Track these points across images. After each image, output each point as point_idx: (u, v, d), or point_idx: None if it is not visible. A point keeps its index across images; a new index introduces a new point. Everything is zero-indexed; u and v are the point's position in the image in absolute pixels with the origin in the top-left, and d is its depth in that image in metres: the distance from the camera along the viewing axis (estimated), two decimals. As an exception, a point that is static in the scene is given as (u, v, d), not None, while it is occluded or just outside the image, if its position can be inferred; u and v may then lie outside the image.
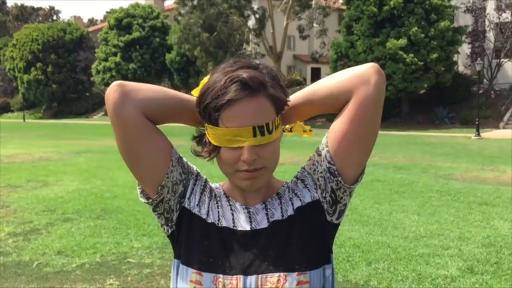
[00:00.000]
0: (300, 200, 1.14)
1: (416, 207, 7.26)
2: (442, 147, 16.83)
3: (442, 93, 28.67)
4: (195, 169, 1.18)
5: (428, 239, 5.59)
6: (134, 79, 41.87)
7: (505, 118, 26.35)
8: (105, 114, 46.48)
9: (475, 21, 30.24)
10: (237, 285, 1.05)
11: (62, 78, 48.29)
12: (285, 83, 1.11)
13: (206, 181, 1.19)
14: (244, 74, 1.02)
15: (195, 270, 1.07)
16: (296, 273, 1.05)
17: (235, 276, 1.06)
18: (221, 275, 1.06)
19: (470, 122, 25.49)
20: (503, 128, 25.39)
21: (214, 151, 1.06)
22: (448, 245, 5.35)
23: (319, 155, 1.13)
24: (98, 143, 18.42)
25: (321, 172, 1.12)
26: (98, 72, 43.85)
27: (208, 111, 1.03)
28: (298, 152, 13.72)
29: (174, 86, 42.88)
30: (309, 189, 1.14)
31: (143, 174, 1.10)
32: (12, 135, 24.32)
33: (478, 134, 21.32)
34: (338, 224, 1.17)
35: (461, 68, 31.10)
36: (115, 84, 1.06)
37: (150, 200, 1.13)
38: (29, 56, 48.36)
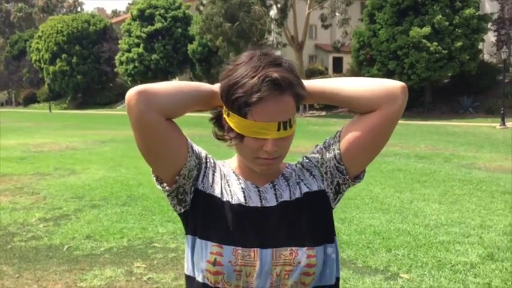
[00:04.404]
0: (307, 187, 1.27)
1: (438, 196, 7.27)
2: (466, 137, 16.64)
3: (466, 82, 28.21)
4: (203, 153, 1.28)
5: (449, 227, 5.62)
6: (157, 70, 42.23)
7: (532, 107, 25.80)
8: (129, 104, 46.85)
9: (501, 9, 29.62)
10: (254, 256, 1.17)
11: (86, 69, 49.01)
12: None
13: (215, 162, 1.30)
14: (275, 73, 1.10)
15: (215, 244, 1.17)
16: (306, 248, 1.18)
17: (252, 248, 1.17)
18: (240, 248, 1.17)
19: (496, 112, 25.05)
20: (530, 117, 24.88)
21: (237, 138, 1.15)
22: (468, 232, 5.38)
23: (329, 152, 1.26)
24: (122, 133, 18.72)
25: (329, 168, 1.26)
26: (121, 63, 44.33)
27: (238, 104, 1.11)
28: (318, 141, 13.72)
29: (196, 77, 43.08)
30: (316, 180, 1.28)
31: (163, 169, 1.20)
32: (39, 126, 24.91)
33: (503, 124, 20.97)
34: (333, 208, 1.32)
35: (486, 57, 30.51)
36: (136, 91, 1.10)
37: (168, 188, 1.22)
38: (54, 47, 49.17)
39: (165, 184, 1.22)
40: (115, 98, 49.99)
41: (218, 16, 30.59)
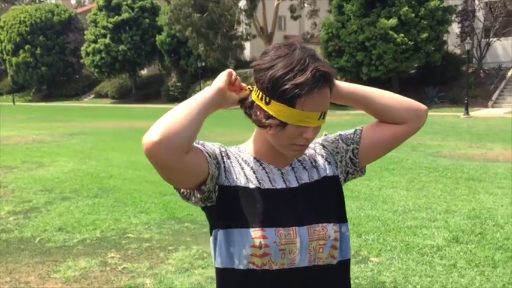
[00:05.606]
0: (325, 171, 1.38)
1: (405, 183, 7.48)
2: (432, 126, 17.05)
3: (432, 73, 28.81)
4: (217, 149, 1.30)
5: (416, 212, 5.81)
6: (124, 61, 41.52)
7: (494, 97, 26.54)
8: (96, 97, 46.16)
9: (464, 0, 30.28)
10: (293, 235, 1.25)
11: (51, 60, 47.74)
12: None
13: (227, 152, 1.32)
14: (323, 67, 1.18)
15: (257, 228, 1.23)
16: (332, 224, 1.31)
17: (291, 227, 1.26)
18: (281, 228, 1.24)
19: (460, 101, 25.71)
20: (492, 107, 25.63)
21: (280, 126, 1.20)
22: (435, 217, 5.57)
23: (347, 144, 1.41)
24: (90, 125, 18.42)
25: (345, 158, 1.41)
26: (87, 54, 43.36)
27: (288, 95, 1.16)
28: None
29: (165, 68, 42.62)
30: (331, 166, 1.40)
31: (188, 187, 1.23)
32: (2, 118, 24.21)
33: (467, 113, 21.58)
34: None
35: (451, 48, 31.16)
36: (155, 142, 1.07)
37: (195, 200, 1.24)
38: (17, 38, 47.69)
39: (187, 193, 1.24)
40: (81, 89, 48.98)
41: (187, 6, 30.28)
